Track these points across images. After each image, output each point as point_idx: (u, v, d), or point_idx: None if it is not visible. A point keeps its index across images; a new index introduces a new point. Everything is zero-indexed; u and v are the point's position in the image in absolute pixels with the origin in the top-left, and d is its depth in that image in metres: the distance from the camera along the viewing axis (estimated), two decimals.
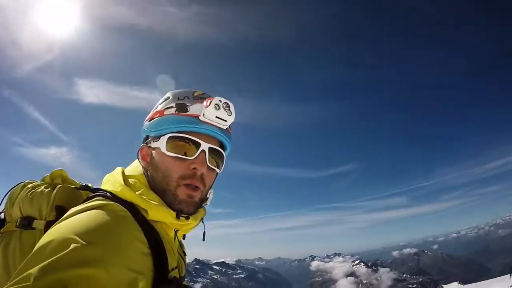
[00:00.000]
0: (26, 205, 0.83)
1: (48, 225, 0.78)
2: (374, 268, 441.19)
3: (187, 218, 0.81)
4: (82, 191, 0.91)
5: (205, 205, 0.89)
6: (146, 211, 0.78)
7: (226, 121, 0.79)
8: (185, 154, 0.79)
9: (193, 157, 0.79)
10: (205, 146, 0.79)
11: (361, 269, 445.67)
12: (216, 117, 0.78)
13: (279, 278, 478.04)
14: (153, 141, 0.81)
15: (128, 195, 0.77)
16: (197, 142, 0.79)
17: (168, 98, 0.84)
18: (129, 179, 0.80)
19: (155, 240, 0.76)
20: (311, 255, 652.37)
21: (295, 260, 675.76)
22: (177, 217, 0.80)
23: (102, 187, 0.83)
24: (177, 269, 0.81)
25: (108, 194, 0.79)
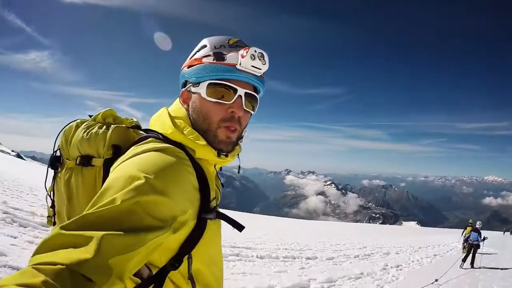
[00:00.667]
0: (84, 145, 0.91)
1: (106, 162, 0.89)
2: (343, 191, 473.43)
3: (226, 156, 0.91)
4: (132, 130, 0.98)
5: (241, 142, 0.97)
6: (193, 150, 0.87)
7: (260, 69, 0.87)
8: (224, 99, 0.85)
9: (231, 102, 0.85)
10: (241, 91, 0.86)
11: (332, 190, 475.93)
12: (252, 66, 0.84)
13: (254, 187, 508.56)
14: (193, 87, 0.89)
15: (178, 137, 0.86)
16: (234, 88, 0.85)
17: (205, 46, 0.89)
18: (175, 120, 0.90)
19: (201, 176, 0.83)
20: (287, 169, 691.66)
21: (271, 172, 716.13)
22: (218, 155, 0.88)
23: (151, 127, 0.94)
24: (215, 199, 0.93)
25: (160, 136, 0.88)
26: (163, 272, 0.80)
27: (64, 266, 0.52)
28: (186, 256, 0.82)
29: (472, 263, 10.44)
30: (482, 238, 10.62)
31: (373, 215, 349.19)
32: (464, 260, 10.42)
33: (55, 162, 0.99)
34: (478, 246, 10.52)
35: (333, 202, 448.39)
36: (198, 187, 0.83)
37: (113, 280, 0.57)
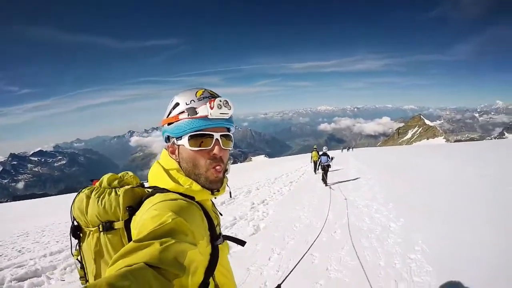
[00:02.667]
0: (102, 214, 1.03)
1: (126, 222, 1.03)
2: None
3: (218, 191, 1.08)
4: (137, 189, 1.12)
5: (227, 173, 1.13)
6: (193, 196, 1.04)
7: (227, 113, 1.03)
8: (204, 145, 1.01)
9: (211, 146, 1.02)
10: (217, 135, 1.02)
11: None
12: (220, 113, 1.00)
13: (100, 158, 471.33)
14: (177, 140, 1.04)
15: (180, 190, 1.01)
16: (210, 134, 1.02)
17: (178, 104, 1.04)
18: (170, 171, 1.05)
19: (205, 213, 1.03)
20: (130, 131, 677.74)
21: (114, 137, 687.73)
22: (212, 193, 1.06)
23: (151, 182, 1.09)
24: (218, 225, 1.13)
25: (165, 190, 1.03)
26: None
27: (142, 264, 0.63)
28: (211, 279, 0.98)
29: (326, 179, 12.02)
30: (331, 159, 12.34)
31: None
32: (322, 178, 12.03)
33: (76, 231, 1.09)
34: (329, 166, 12.22)
35: None
36: (206, 221, 1.00)
37: (183, 272, 0.70)
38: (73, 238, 1.11)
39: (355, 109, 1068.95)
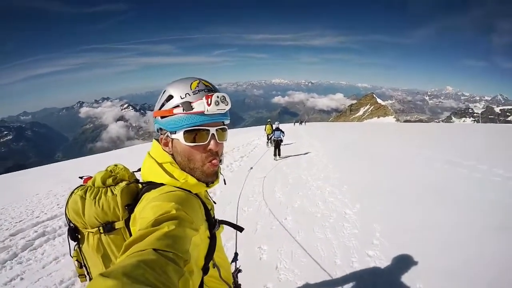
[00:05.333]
0: (101, 215, 1.02)
1: (126, 221, 1.02)
2: (142, 111, 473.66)
3: (213, 183, 1.07)
4: (132, 185, 1.11)
5: (221, 164, 1.10)
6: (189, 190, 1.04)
7: (225, 109, 1.01)
8: (200, 140, 1.00)
9: (207, 142, 1.00)
10: (213, 130, 1.01)
11: (130, 112, 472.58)
12: (218, 109, 0.98)
13: (49, 131, 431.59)
14: (171, 134, 1.02)
15: (177, 184, 1.00)
16: (206, 129, 1.00)
17: (172, 96, 1.00)
18: (164, 165, 1.03)
19: (202, 202, 1.04)
20: (79, 101, 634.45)
21: (63, 108, 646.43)
22: (207, 186, 1.05)
23: (146, 177, 1.05)
24: (211, 210, 1.16)
25: (161, 185, 1.01)
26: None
27: (151, 250, 0.62)
28: (211, 263, 1.01)
29: (279, 154, 12.26)
30: (283, 134, 12.57)
31: None
32: (274, 154, 12.24)
33: (74, 233, 1.07)
34: (281, 141, 12.42)
35: (134, 124, 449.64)
36: (203, 210, 1.02)
37: (189, 259, 0.69)
38: (71, 241, 1.09)
39: (310, 84, 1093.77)
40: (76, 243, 1.08)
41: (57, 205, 7.58)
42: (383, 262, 3.53)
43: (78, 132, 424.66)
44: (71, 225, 1.06)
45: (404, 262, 3.49)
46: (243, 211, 5.67)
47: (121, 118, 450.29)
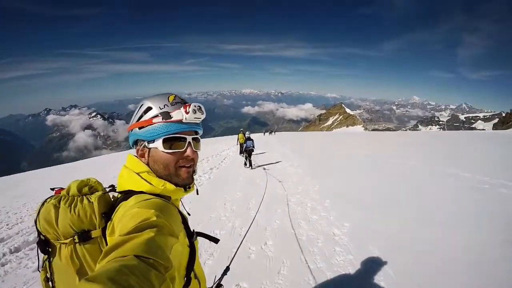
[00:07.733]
0: (77, 223, 0.99)
1: (103, 230, 1.01)
2: (110, 120, 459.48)
3: (189, 187, 1.13)
4: (107, 195, 1.11)
5: (195, 174, 1.16)
6: (169, 196, 1.09)
7: (200, 118, 1.09)
8: (178, 148, 1.07)
9: (184, 149, 1.08)
10: (189, 138, 1.08)
11: (98, 121, 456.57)
12: (195, 118, 1.06)
13: (14, 139, 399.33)
14: (148, 143, 1.07)
15: (156, 191, 1.03)
16: (184, 137, 1.07)
17: (150, 108, 1.07)
18: (141, 174, 1.07)
19: (179, 211, 1.08)
20: (46, 109, 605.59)
21: (29, 115, 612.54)
22: (185, 190, 1.11)
23: (123, 186, 1.08)
24: (186, 218, 1.17)
25: (140, 193, 1.04)
26: None
27: (132, 256, 0.63)
28: (192, 274, 1.03)
29: (250, 164, 12.33)
30: (253, 145, 12.79)
31: None
32: (245, 163, 12.46)
33: (44, 246, 1.02)
34: (252, 151, 12.60)
35: (102, 133, 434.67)
36: (181, 219, 1.05)
37: (170, 267, 0.70)
38: (41, 254, 1.03)
39: (279, 94, 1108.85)
40: (46, 258, 1.02)
41: (6, 225, 6.26)
42: None
43: (45, 140, 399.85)
44: (41, 237, 1.01)
45: None
46: (214, 234, 4.80)
47: (89, 127, 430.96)
